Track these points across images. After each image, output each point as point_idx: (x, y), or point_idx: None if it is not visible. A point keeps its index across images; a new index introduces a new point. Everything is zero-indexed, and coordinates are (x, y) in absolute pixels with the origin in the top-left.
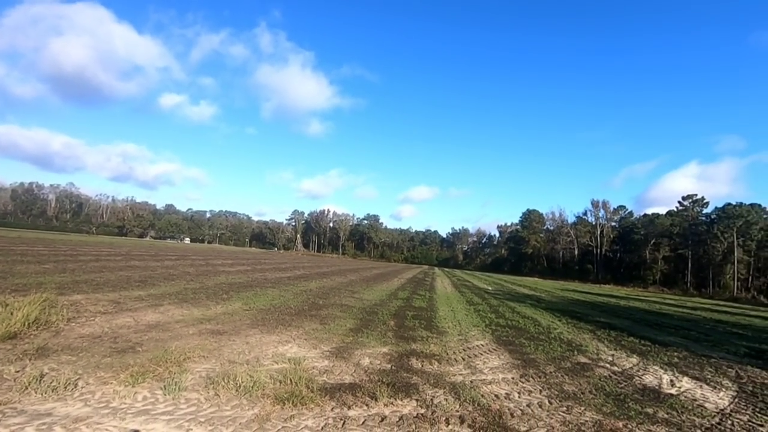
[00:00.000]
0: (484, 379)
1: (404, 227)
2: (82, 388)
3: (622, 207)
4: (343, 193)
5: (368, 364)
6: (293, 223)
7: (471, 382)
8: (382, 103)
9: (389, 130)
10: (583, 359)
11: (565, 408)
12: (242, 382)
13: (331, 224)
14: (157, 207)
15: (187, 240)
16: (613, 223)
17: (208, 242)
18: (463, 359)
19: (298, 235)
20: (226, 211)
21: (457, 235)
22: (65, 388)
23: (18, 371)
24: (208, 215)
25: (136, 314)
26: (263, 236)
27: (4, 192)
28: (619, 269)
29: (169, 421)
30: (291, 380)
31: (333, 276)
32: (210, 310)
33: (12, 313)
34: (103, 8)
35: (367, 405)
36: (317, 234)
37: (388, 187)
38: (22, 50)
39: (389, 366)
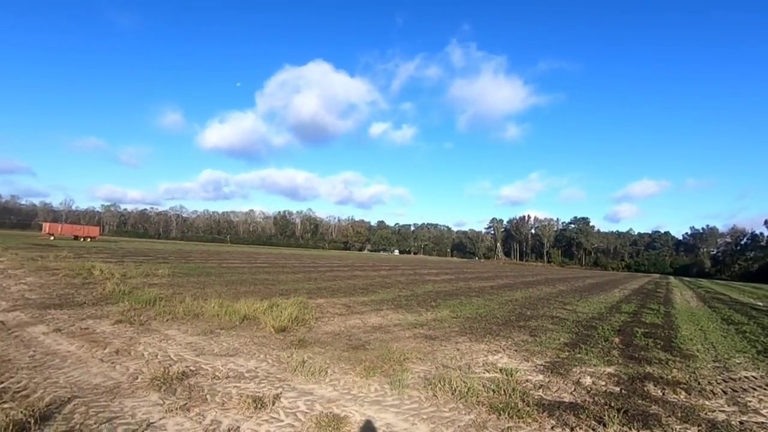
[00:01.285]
0: (762, 423)
1: (622, 229)
2: (330, 375)
3: None
4: (545, 197)
5: (590, 383)
6: (492, 232)
7: (741, 423)
8: (585, 95)
9: (596, 123)
10: None
11: None
12: (457, 386)
13: (533, 231)
14: (371, 223)
15: (397, 252)
16: None
17: (414, 253)
18: (725, 392)
19: (498, 244)
20: (428, 223)
21: (701, 236)
22: (319, 373)
23: (289, 357)
24: (412, 228)
25: (363, 317)
26: (463, 246)
27: (269, 219)
28: None
29: (396, 413)
30: (504, 391)
31: (539, 285)
32: (422, 316)
33: (282, 312)
34: (325, 63)
35: (593, 430)
36: (518, 241)
37: (599, 186)
38: (276, 110)
39: (617, 389)
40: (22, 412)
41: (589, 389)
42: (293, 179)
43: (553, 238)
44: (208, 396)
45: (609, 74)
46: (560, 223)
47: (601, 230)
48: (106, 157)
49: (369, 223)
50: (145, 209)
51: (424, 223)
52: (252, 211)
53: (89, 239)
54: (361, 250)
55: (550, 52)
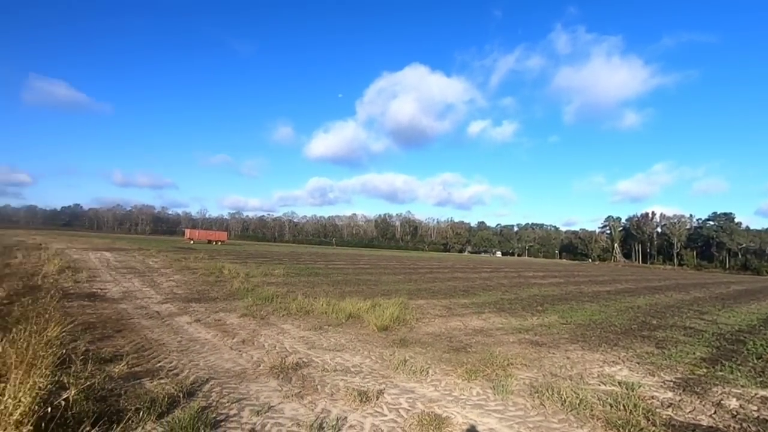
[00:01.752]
0: None
1: None
2: (431, 375)
3: None
4: (673, 191)
5: (737, 407)
6: (608, 231)
7: None
8: (723, 70)
9: (739, 102)
10: None
11: None
12: (567, 397)
13: (658, 229)
14: (471, 225)
15: (499, 253)
16: None
17: (518, 255)
18: None
19: (616, 244)
20: (532, 223)
21: None
22: (420, 373)
23: (391, 355)
24: (515, 229)
25: (463, 319)
26: (573, 247)
27: (370, 222)
28: None
29: (500, 419)
30: (624, 406)
31: (668, 291)
32: (527, 321)
33: (383, 312)
34: (421, 65)
35: None
36: (640, 242)
37: (747, 175)
38: (375, 116)
39: None
40: (174, 387)
41: (734, 413)
42: (392, 183)
43: (685, 238)
44: (318, 386)
45: (752, 45)
46: (694, 220)
47: (751, 227)
48: (231, 171)
49: (469, 224)
50: (263, 215)
51: (528, 224)
52: (354, 215)
53: (219, 243)
54: (461, 252)
55: (678, 25)
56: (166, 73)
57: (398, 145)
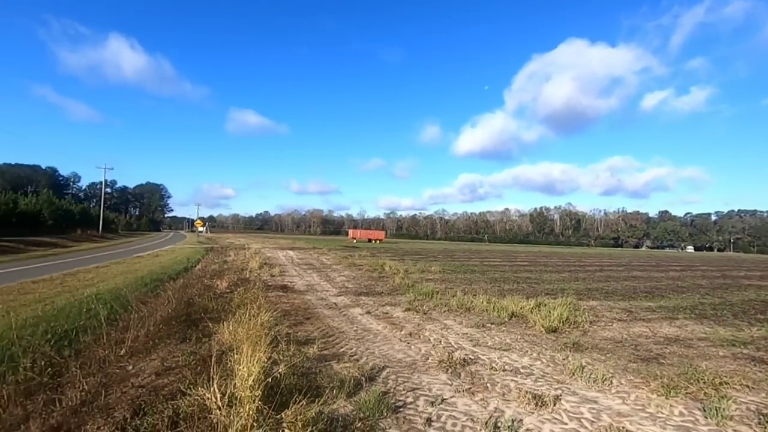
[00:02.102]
0: None
1: None
2: (616, 386)
3: None
4: None
5: None
6: None
7: None
8: None
9: None
10: None
11: None
12: None
13: None
14: (650, 215)
15: (690, 248)
16: None
17: (718, 249)
18: None
19: None
20: (738, 210)
21: None
22: (602, 382)
23: (564, 359)
24: (713, 218)
25: (650, 325)
26: None
27: (524, 217)
28: None
29: None
30: None
31: None
32: (742, 332)
33: (550, 312)
34: (578, 40)
35: None
36: None
37: None
38: (525, 104)
39: None
40: (356, 371)
41: None
42: (548, 173)
43: None
44: (488, 385)
45: None
46: None
47: None
48: (385, 173)
49: (646, 214)
50: (415, 214)
51: (731, 211)
52: (507, 209)
53: (378, 241)
54: (637, 247)
55: None
56: (328, 90)
57: (554, 132)
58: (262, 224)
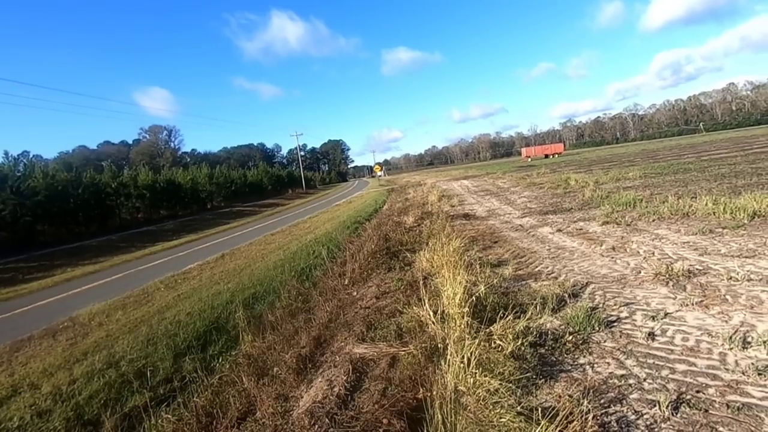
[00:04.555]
0: None
1: None
2: None
3: None
4: None
5: None
6: None
7: None
8: None
9: None
10: None
11: None
12: None
13: None
14: None
15: None
16: None
17: None
18: None
19: None
20: None
21: None
22: None
23: None
24: None
25: None
26: None
27: (762, 89)
28: None
29: None
30: None
31: None
32: None
33: None
34: None
35: None
36: None
37: None
38: None
39: None
40: (557, 288)
41: None
42: None
43: None
44: (728, 297)
45: None
46: None
47: None
48: (556, 77)
49: None
50: (598, 117)
51: None
52: (732, 84)
53: (556, 155)
54: None
55: None
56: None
57: None
58: (432, 160)
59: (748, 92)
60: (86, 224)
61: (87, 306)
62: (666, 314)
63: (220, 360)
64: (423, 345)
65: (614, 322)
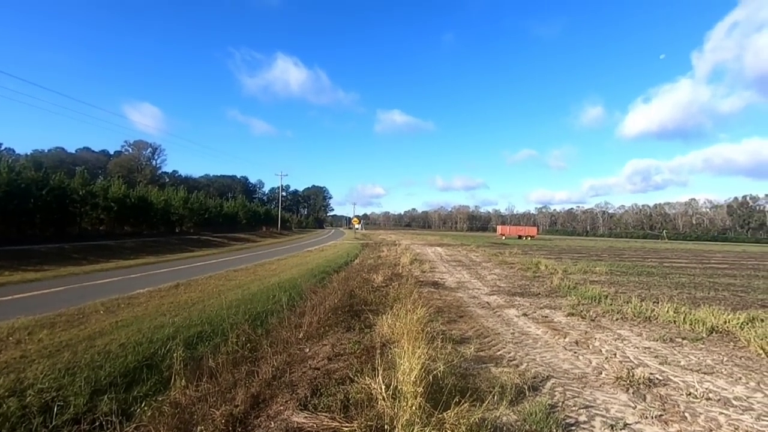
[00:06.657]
0: None
1: None
2: None
3: None
4: None
5: None
6: None
7: None
8: None
9: None
10: None
11: None
12: None
13: None
14: None
15: None
16: None
17: None
18: None
19: None
20: None
21: None
22: None
23: None
24: None
25: None
26: None
27: (720, 209)
28: None
29: None
30: None
31: None
32: None
33: None
34: None
35: None
36: None
37: None
38: (724, 65)
39: None
40: (518, 378)
41: None
42: (757, 153)
43: None
44: (686, 414)
45: None
46: None
47: None
48: (537, 164)
49: None
50: (572, 208)
51: None
52: (693, 200)
53: (529, 238)
54: None
55: None
56: (474, 81)
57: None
58: (410, 221)
59: (708, 210)
60: (42, 227)
61: (11, 318)
62: (625, 425)
63: (142, 404)
64: (369, 424)
65: (572, 425)
